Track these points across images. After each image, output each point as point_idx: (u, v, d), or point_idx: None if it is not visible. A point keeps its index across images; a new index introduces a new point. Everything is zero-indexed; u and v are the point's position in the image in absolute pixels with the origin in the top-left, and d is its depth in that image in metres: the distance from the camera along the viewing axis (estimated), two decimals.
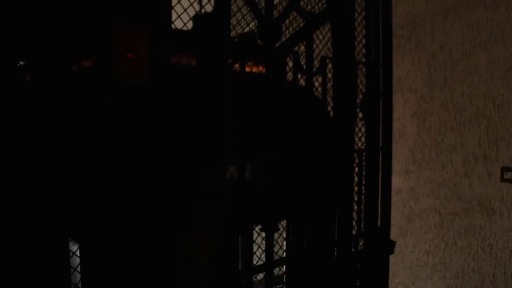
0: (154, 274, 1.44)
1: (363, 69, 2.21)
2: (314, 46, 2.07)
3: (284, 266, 2.07)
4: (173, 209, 1.45)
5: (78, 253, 1.45)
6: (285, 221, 2.04)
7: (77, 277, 1.45)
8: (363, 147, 2.18)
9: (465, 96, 3.19)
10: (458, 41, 3.21)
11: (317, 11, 2.15)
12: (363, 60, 2.20)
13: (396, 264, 3.70)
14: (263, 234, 1.78)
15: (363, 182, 2.17)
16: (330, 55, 2.09)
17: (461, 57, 3.20)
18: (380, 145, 2.22)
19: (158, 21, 1.50)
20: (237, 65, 1.69)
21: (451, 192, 3.30)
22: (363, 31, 2.25)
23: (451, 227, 3.30)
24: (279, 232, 2.00)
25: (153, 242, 1.44)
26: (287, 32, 2.17)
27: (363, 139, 2.20)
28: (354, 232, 2.15)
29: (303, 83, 2.00)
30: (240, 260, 1.73)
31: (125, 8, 1.42)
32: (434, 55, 3.38)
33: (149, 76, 1.42)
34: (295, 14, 2.12)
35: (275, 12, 1.80)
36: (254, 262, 1.79)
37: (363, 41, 2.27)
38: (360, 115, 2.17)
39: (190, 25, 1.68)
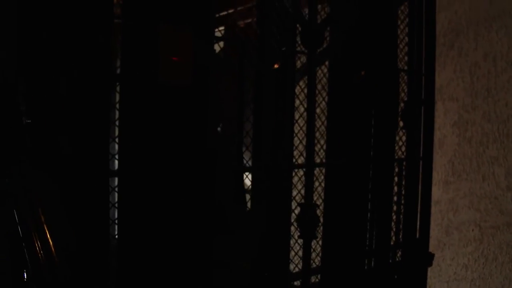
0: (193, 273, 1.46)
1: (405, 77, 2.18)
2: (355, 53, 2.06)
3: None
4: (211, 208, 1.46)
5: None
6: (322, 228, 2.03)
7: None
8: (403, 156, 2.15)
9: (509, 106, 3.09)
10: (503, 49, 3.13)
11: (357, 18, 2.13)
12: (405, 68, 2.17)
13: (433, 277, 3.61)
14: (301, 241, 1.77)
15: (403, 191, 2.14)
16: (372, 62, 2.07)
17: (505, 66, 3.11)
18: (421, 154, 2.18)
19: (202, 27, 1.52)
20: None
21: (492, 205, 3.20)
22: (406, 38, 2.23)
23: (492, 241, 3.20)
24: (317, 239, 1.98)
25: (191, 239, 1.45)
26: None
27: (403, 148, 2.16)
28: (392, 242, 2.11)
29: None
30: (277, 267, 1.72)
31: (171, 14, 1.44)
32: (477, 64, 3.30)
33: (193, 78, 1.44)
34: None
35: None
36: (291, 268, 1.78)
37: (406, 48, 2.24)
38: (401, 123, 2.14)
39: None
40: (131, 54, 1.42)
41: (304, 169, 1.78)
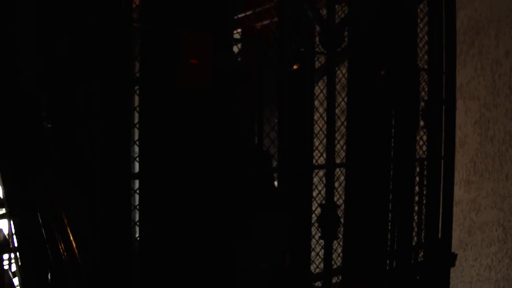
0: (216, 279, 1.46)
1: (425, 76, 2.16)
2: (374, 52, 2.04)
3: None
4: (236, 214, 1.46)
5: None
6: (343, 229, 2.02)
7: None
8: (424, 156, 2.12)
9: None
10: None
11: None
12: (425, 66, 2.15)
13: (455, 278, 3.56)
14: (322, 242, 1.77)
15: (424, 191, 2.12)
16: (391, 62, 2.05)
17: None
18: (442, 154, 2.15)
19: (221, 30, 1.53)
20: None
21: None
22: (426, 37, 2.20)
23: None
24: (338, 240, 1.97)
25: (212, 243, 1.46)
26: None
27: (424, 147, 2.14)
28: (413, 243, 2.09)
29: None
30: (298, 268, 1.72)
31: (190, 17, 1.45)
32: (499, 61, 3.25)
33: (212, 82, 1.44)
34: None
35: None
36: (312, 269, 1.77)
37: (426, 47, 2.22)
38: (422, 123, 2.12)
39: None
40: (150, 58, 1.43)
41: (324, 170, 1.77)
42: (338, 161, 2.07)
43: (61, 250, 1.45)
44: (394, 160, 1.96)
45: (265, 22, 2.17)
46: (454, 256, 2.20)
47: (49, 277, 1.65)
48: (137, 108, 1.54)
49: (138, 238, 1.56)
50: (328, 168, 1.73)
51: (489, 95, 3.32)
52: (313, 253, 1.90)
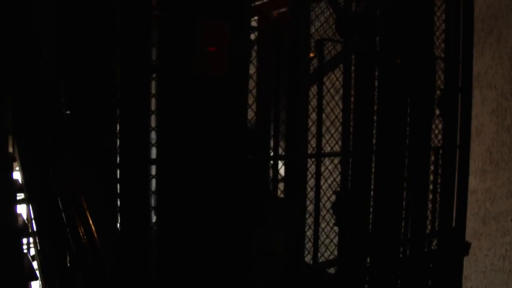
0: (232, 265, 1.48)
1: (441, 65, 2.15)
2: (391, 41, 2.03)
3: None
4: (250, 199, 1.48)
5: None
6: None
7: None
8: (439, 145, 2.12)
9: None
10: None
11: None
12: (442, 55, 2.13)
13: (469, 267, 3.55)
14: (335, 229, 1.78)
15: (439, 180, 2.11)
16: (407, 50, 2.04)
17: None
18: (458, 143, 2.15)
19: (238, 18, 1.53)
20: None
21: None
22: (443, 25, 2.19)
23: None
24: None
25: (228, 229, 1.48)
26: None
27: (439, 136, 2.14)
28: (427, 231, 2.10)
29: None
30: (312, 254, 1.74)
31: (207, 5, 1.46)
32: None
33: (229, 70, 1.45)
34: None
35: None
36: (326, 256, 1.79)
37: (442, 35, 2.20)
38: (437, 111, 2.11)
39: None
40: (168, 46, 1.44)
41: (339, 158, 1.78)
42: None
43: (81, 234, 1.48)
44: (409, 148, 1.96)
45: (282, 10, 2.17)
46: (468, 245, 2.21)
47: (68, 261, 1.69)
48: (155, 95, 1.56)
49: (155, 223, 1.58)
50: (343, 156, 1.74)
51: (506, 84, 3.28)
52: (327, 240, 1.91)
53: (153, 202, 1.62)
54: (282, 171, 1.84)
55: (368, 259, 1.98)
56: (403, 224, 1.99)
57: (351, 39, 1.70)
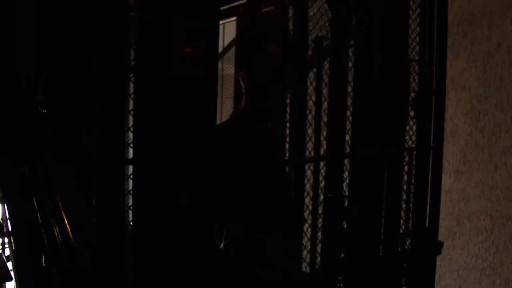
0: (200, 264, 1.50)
1: (416, 67, 2.19)
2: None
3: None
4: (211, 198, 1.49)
5: None
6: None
7: None
8: (413, 146, 2.16)
9: None
10: None
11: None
12: (416, 58, 2.18)
13: (443, 266, 3.63)
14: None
15: (413, 181, 2.16)
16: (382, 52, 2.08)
17: None
18: (431, 144, 2.19)
19: (216, 18, 1.55)
20: None
21: (504, 195, 3.20)
22: (417, 28, 2.23)
23: (503, 231, 3.21)
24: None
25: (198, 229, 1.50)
26: None
27: (414, 137, 2.18)
28: (401, 231, 2.14)
29: None
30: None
31: (185, 6, 1.47)
32: (491, 53, 3.28)
33: (206, 70, 1.47)
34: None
35: None
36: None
37: (417, 38, 2.24)
38: (412, 113, 2.15)
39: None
40: (145, 46, 1.45)
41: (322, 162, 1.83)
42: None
43: (56, 234, 1.48)
44: (383, 149, 2.00)
45: (264, 10, 2.19)
46: (441, 244, 2.26)
47: (43, 261, 1.68)
48: (132, 95, 1.56)
49: (131, 223, 1.59)
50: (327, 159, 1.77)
51: (480, 86, 3.36)
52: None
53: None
54: None
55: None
56: (377, 224, 2.03)
57: (340, 39, 1.74)
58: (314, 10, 1.92)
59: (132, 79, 1.56)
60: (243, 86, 1.89)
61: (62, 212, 1.52)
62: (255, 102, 1.89)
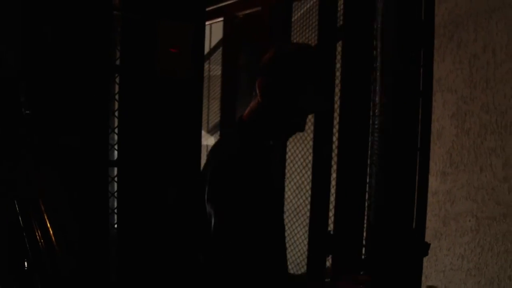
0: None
1: None
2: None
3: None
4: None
5: None
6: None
7: None
8: None
9: (508, 98, 3.11)
10: (502, 41, 3.13)
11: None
12: None
13: (429, 267, 3.64)
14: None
15: None
16: None
17: (505, 58, 3.11)
18: (418, 145, 2.19)
19: (201, 19, 1.53)
20: None
21: (489, 196, 3.22)
22: None
23: (488, 231, 3.23)
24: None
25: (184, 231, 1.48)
26: None
27: None
28: None
29: None
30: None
31: (170, 7, 1.45)
32: (477, 55, 3.30)
33: (192, 70, 1.45)
34: None
35: None
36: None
37: None
38: None
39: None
40: (130, 47, 1.43)
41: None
42: None
43: (38, 238, 1.45)
44: (371, 149, 2.00)
45: (248, 11, 2.18)
46: (428, 245, 2.26)
47: (25, 265, 1.65)
48: (117, 96, 1.54)
49: (115, 225, 1.57)
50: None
51: (466, 88, 3.38)
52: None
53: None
54: None
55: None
56: (364, 226, 2.03)
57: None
58: None
59: (117, 79, 1.54)
60: (258, 93, 1.56)
61: (45, 215, 1.49)
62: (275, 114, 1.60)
